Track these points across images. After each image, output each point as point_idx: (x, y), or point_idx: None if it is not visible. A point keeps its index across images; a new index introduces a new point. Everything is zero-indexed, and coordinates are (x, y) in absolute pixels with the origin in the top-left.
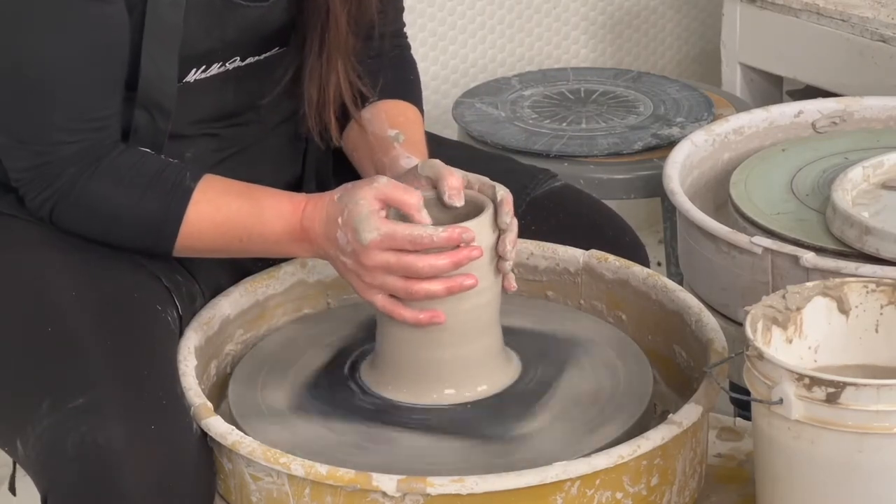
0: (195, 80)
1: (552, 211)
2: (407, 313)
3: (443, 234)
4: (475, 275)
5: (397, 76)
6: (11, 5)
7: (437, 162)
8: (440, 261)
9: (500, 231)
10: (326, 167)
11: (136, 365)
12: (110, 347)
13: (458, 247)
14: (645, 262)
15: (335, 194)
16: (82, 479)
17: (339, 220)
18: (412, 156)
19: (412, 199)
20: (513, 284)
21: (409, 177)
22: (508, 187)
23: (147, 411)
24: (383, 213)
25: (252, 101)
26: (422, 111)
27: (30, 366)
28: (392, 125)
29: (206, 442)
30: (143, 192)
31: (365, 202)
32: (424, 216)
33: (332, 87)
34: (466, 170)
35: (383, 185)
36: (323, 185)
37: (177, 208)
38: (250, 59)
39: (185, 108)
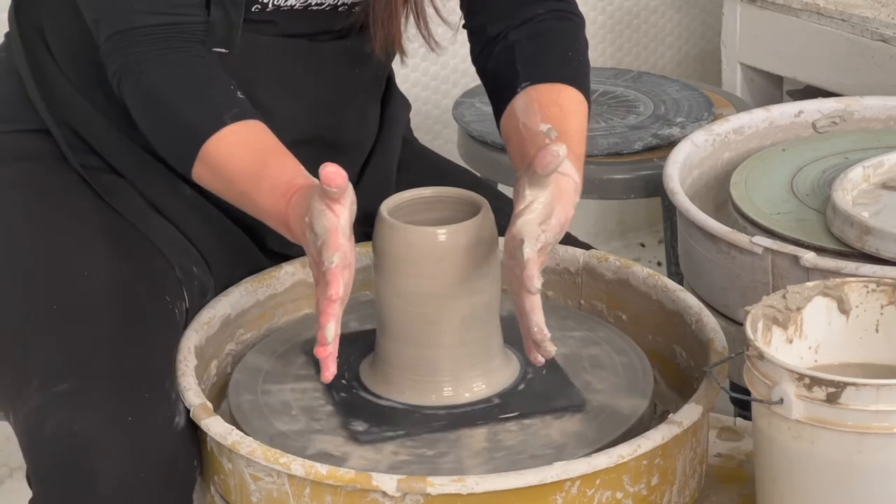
0: (271, 5)
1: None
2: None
3: (327, 286)
4: (474, 275)
5: (541, 54)
6: None
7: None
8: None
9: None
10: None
11: (125, 355)
12: (103, 335)
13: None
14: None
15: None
16: (60, 462)
17: (307, 219)
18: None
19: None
20: (549, 351)
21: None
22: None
23: (128, 402)
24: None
25: (323, 90)
26: (586, 94)
27: (28, 338)
28: (545, 117)
29: (188, 438)
30: (192, 100)
31: (321, 206)
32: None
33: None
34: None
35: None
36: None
37: (204, 132)
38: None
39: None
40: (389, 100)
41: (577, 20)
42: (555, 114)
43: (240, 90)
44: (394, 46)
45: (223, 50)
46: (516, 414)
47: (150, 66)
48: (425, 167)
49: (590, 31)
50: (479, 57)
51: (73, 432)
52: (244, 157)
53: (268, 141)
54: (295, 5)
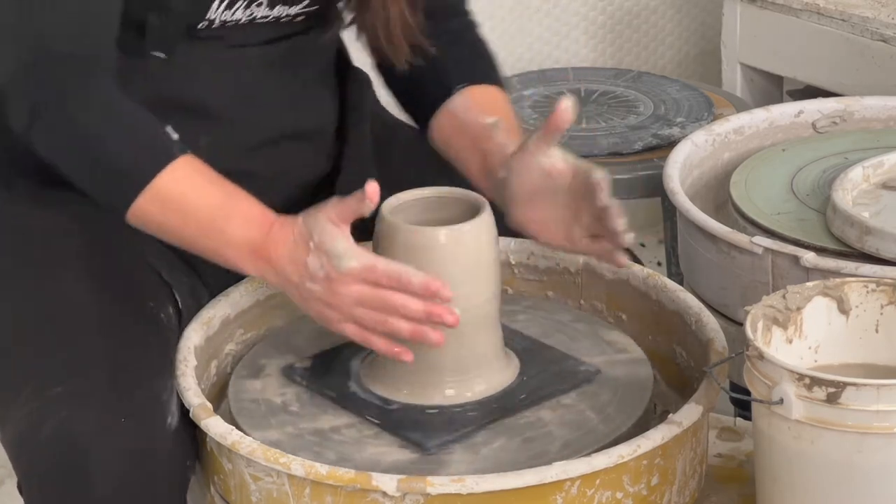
0: (219, 20)
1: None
2: (381, 343)
3: (422, 279)
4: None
5: (472, 59)
6: None
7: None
8: (413, 304)
9: (599, 207)
10: (364, 155)
11: (116, 359)
12: (94, 341)
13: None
14: None
15: (300, 218)
16: (54, 466)
17: (311, 244)
18: (513, 142)
19: (361, 206)
20: (622, 261)
21: (520, 156)
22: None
23: (122, 405)
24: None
25: (282, 90)
26: (505, 90)
27: (16, 350)
28: (488, 113)
29: (181, 439)
30: (129, 137)
31: (336, 228)
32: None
33: (396, 15)
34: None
35: (337, 205)
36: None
37: (155, 165)
38: (280, 10)
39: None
40: (347, 79)
41: (475, 22)
42: (495, 109)
43: (195, 101)
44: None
45: (161, 54)
46: (547, 388)
47: (78, 102)
48: (401, 142)
49: (590, 31)
50: (392, 66)
51: (71, 433)
52: (205, 188)
53: (217, 174)
54: (241, 20)
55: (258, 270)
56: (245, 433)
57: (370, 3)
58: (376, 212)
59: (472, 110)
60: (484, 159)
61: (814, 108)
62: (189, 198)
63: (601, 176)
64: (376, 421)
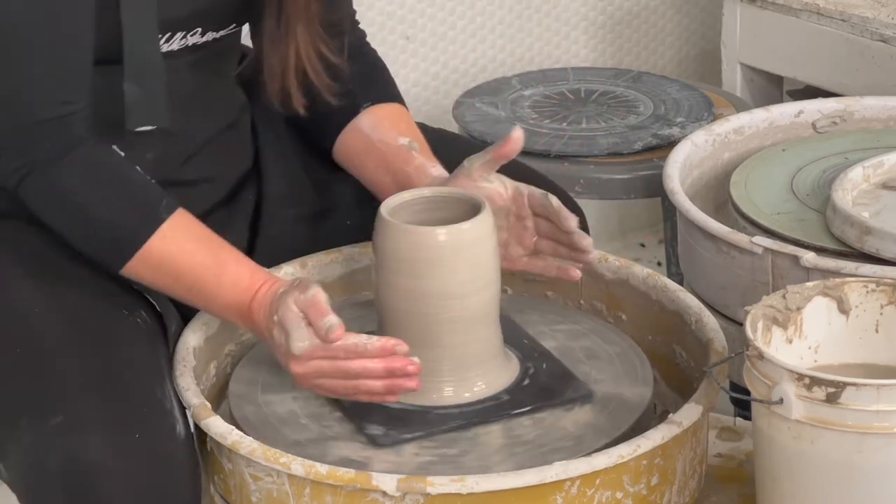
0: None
1: None
2: (372, 397)
3: (376, 344)
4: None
5: (373, 75)
6: None
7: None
8: (373, 364)
9: (565, 234)
10: (282, 144)
11: (109, 375)
12: (81, 360)
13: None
14: (585, 227)
15: (279, 289)
16: (67, 495)
17: (275, 317)
18: (433, 162)
19: (319, 324)
20: (576, 273)
21: (459, 178)
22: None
23: (128, 420)
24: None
25: (208, 93)
26: (405, 105)
27: (2, 382)
28: (400, 132)
29: (191, 443)
30: (119, 201)
31: (296, 314)
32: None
33: (293, 54)
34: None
35: (306, 299)
36: (282, 161)
37: (144, 233)
38: (210, 35)
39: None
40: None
41: (365, 35)
42: (405, 129)
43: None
44: (291, 101)
45: (150, 127)
46: (528, 409)
47: (62, 165)
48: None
49: (590, 32)
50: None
51: (80, 461)
52: (195, 252)
53: (203, 230)
54: (175, 49)
55: (245, 326)
56: (245, 433)
57: (278, 47)
58: (377, 211)
59: (380, 129)
60: (396, 179)
61: (814, 108)
62: (179, 261)
63: (556, 200)
64: (391, 424)
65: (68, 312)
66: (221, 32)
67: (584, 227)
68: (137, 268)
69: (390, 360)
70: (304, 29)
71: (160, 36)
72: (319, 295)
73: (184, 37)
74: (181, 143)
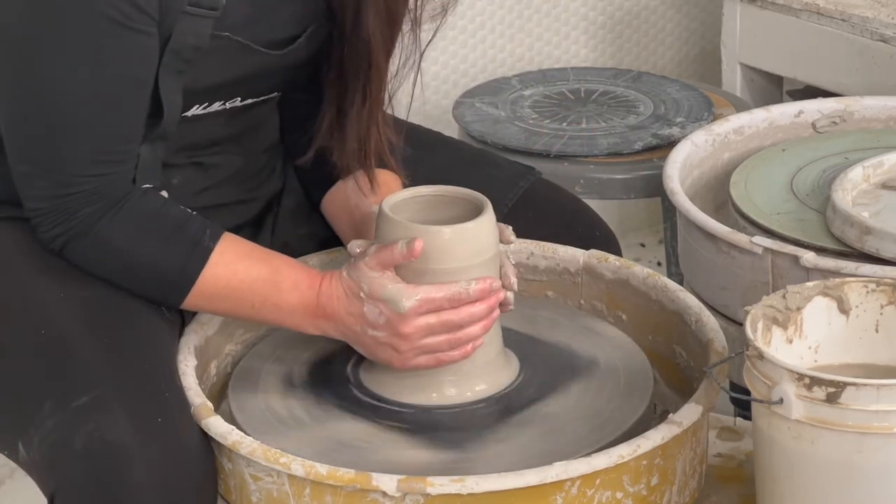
0: (192, 115)
1: (522, 209)
2: (456, 354)
3: (477, 286)
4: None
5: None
6: (44, 32)
7: None
8: (477, 308)
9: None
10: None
11: (134, 359)
12: (105, 344)
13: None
14: (606, 231)
15: (343, 271)
16: (91, 475)
17: (362, 294)
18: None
19: (398, 253)
20: (509, 307)
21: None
22: (489, 199)
23: (152, 404)
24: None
25: (240, 134)
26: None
27: (25, 368)
28: (374, 197)
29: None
30: (162, 244)
31: (381, 276)
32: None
33: (373, 139)
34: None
35: (376, 254)
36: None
37: (193, 267)
38: (249, 101)
39: (176, 138)
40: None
41: None
42: (383, 193)
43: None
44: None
45: (149, 185)
46: (528, 408)
47: (104, 224)
48: None
49: (590, 31)
50: (300, 142)
51: (106, 442)
52: (248, 269)
53: (250, 246)
54: (214, 110)
55: (318, 328)
56: (245, 433)
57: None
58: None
59: (358, 193)
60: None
61: (814, 108)
62: (233, 282)
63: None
64: (375, 422)
65: (90, 300)
66: (263, 98)
67: (604, 232)
68: (197, 301)
69: (490, 299)
70: (381, 114)
71: (198, 105)
72: (376, 246)
73: (223, 103)
74: (208, 171)
